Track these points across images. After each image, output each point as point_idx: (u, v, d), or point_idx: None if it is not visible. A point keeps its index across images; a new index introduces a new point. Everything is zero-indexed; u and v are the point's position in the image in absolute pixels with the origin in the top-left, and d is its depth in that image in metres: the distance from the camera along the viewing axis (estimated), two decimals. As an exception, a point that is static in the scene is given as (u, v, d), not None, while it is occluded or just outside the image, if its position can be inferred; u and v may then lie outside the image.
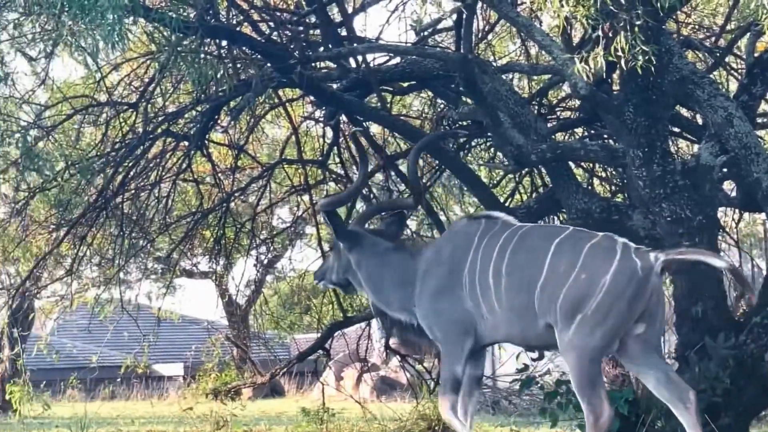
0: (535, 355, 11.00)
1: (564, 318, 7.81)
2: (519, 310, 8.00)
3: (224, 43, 10.76)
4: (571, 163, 10.82)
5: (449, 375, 8.29)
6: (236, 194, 13.64)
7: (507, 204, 12.34)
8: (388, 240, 8.75)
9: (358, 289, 8.85)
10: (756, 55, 10.15)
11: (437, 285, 8.36)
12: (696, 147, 10.95)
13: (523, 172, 12.52)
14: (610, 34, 7.95)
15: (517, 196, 13.34)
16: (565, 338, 7.81)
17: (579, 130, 12.46)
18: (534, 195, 12.64)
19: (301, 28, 11.51)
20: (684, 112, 11.67)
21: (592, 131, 11.95)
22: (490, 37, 13.00)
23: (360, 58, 11.11)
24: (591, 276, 7.77)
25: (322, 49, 11.22)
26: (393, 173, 12.88)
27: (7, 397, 18.15)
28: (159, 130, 12.12)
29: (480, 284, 8.15)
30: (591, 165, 12.51)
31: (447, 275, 8.33)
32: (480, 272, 8.16)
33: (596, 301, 7.71)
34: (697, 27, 13.12)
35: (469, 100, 10.85)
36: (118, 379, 27.42)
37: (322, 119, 12.80)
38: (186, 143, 12.28)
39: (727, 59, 12.13)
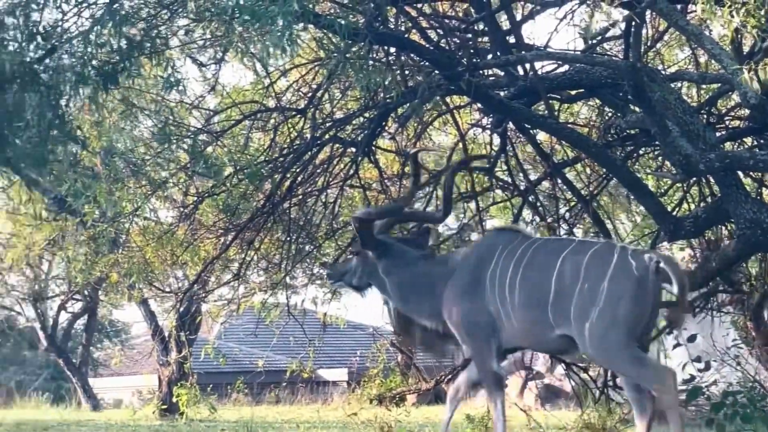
0: (702, 365, 11.25)
1: (578, 327, 8.57)
2: (533, 322, 8.80)
3: (392, 50, 11.09)
4: (740, 172, 10.84)
5: (488, 373, 9.09)
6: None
7: (674, 213, 12.39)
8: (416, 249, 9.52)
9: (381, 295, 9.61)
10: None
11: (463, 291, 9.15)
12: None
13: (691, 181, 12.55)
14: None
15: (685, 206, 13.36)
16: (587, 346, 8.59)
17: (748, 140, 12.39)
18: (702, 204, 12.64)
19: (469, 36, 11.78)
20: None
21: (762, 141, 11.86)
22: (658, 45, 13.06)
23: (528, 65, 11.33)
24: (592, 284, 8.54)
25: (490, 56, 11.46)
26: (559, 181, 13.05)
27: (174, 399, 18.88)
28: (327, 136, 12.46)
29: (498, 295, 8.94)
30: (760, 175, 12.45)
31: (471, 283, 9.11)
32: (498, 284, 8.94)
33: (599, 307, 8.47)
34: None
35: (637, 109, 10.96)
36: (284, 384, 28.10)
37: (489, 126, 13.05)
38: (353, 149, 12.62)
39: None
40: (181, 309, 16.28)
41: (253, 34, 9.64)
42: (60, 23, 10.23)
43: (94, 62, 10.02)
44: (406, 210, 10.11)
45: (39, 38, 10.15)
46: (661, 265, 8.54)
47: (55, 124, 10.25)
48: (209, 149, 12.44)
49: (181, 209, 13.19)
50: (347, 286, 9.99)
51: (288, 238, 13.20)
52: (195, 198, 12.92)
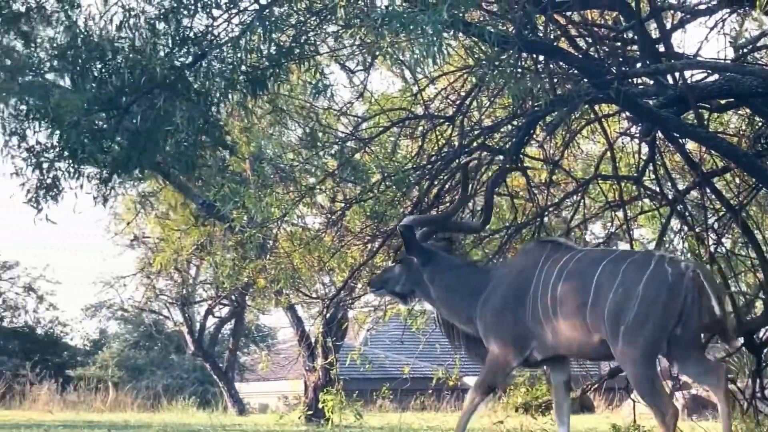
0: None
1: (612, 331, 8.94)
2: (574, 328, 9.15)
3: (541, 57, 11.19)
4: None
5: (490, 380, 9.65)
6: (550, 209, 13.93)
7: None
8: (461, 257, 10.06)
9: (426, 301, 10.12)
10: None
11: (503, 302, 9.55)
12: None
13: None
14: None
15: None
16: (616, 349, 8.94)
17: None
18: None
19: (618, 44, 11.77)
20: None
21: None
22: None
23: (677, 74, 11.28)
24: (627, 288, 8.92)
25: (639, 65, 11.44)
26: (708, 190, 12.96)
27: (320, 405, 19.14)
28: (475, 144, 12.60)
29: (541, 304, 9.28)
30: None
31: (513, 294, 9.50)
32: (542, 293, 9.30)
33: (634, 311, 8.86)
34: None
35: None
36: (429, 391, 28.26)
37: (637, 135, 13.01)
38: (501, 157, 12.73)
39: None
40: (328, 315, 16.55)
41: (402, 41, 9.83)
42: (210, 29, 10.53)
43: (243, 68, 10.26)
44: (451, 220, 10.44)
45: (189, 44, 10.48)
46: (698, 273, 8.88)
47: (205, 129, 10.55)
48: (357, 156, 12.66)
49: (329, 215, 13.42)
50: (389, 294, 10.45)
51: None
52: (342, 204, 13.14)
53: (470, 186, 10.91)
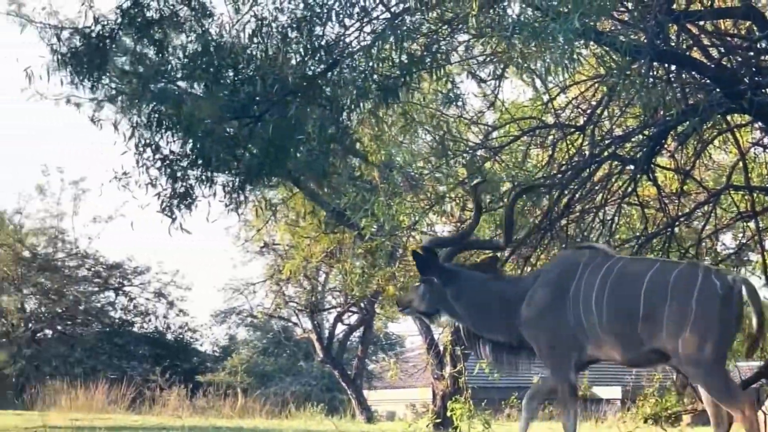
0: None
1: (673, 345, 9.25)
2: (622, 336, 9.48)
3: (673, 67, 11.22)
4: None
5: (565, 384, 9.77)
6: (681, 219, 13.92)
7: None
8: (489, 272, 10.20)
9: (451, 319, 10.30)
10: None
11: (544, 306, 9.80)
12: None
13: None
14: None
15: None
16: (683, 363, 9.29)
17: None
18: None
19: (751, 54, 11.70)
20: None
21: None
22: None
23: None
24: (680, 304, 9.20)
25: (772, 74, 11.38)
26: None
27: (448, 413, 19.27)
28: (605, 153, 12.64)
29: (584, 308, 9.55)
30: None
31: (553, 297, 9.76)
32: (584, 298, 9.55)
33: (690, 324, 9.15)
34: None
35: None
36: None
37: (770, 145, 12.94)
38: (632, 167, 12.73)
39: None
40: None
41: (533, 50, 9.91)
42: (342, 38, 10.75)
43: (375, 77, 10.43)
44: (470, 239, 10.72)
45: (321, 52, 10.71)
46: (742, 287, 9.19)
47: (336, 137, 10.77)
48: (487, 164, 12.76)
49: (458, 224, 13.53)
50: (416, 313, 10.64)
51: (564, 255, 13.34)
52: (472, 213, 13.22)
53: (482, 204, 11.06)
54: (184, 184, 10.97)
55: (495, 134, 13.25)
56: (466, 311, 10.26)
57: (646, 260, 10.86)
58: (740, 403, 9.12)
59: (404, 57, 10.39)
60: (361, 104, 10.64)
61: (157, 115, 10.68)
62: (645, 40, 10.24)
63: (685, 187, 13.61)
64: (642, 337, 9.40)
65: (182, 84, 10.86)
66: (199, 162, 10.58)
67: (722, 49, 11.68)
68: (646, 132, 12.44)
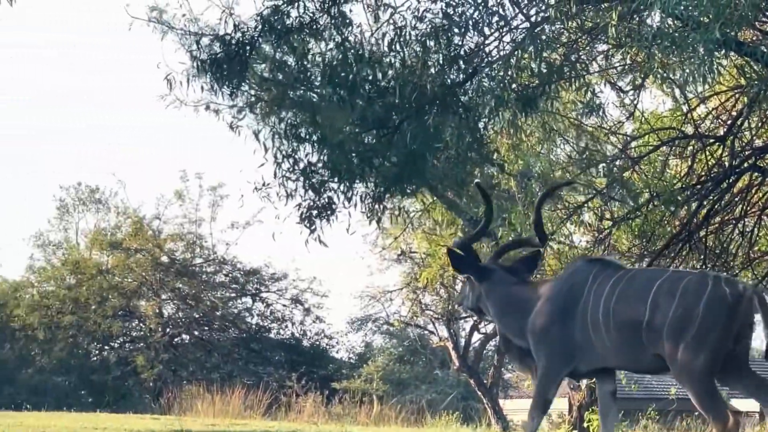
0: None
1: (671, 348, 9.48)
2: (628, 342, 9.74)
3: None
4: None
5: (542, 398, 10.11)
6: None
7: None
8: (520, 274, 10.50)
9: (488, 317, 10.66)
10: None
11: (551, 316, 10.08)
12: None
13: None
14: None
15: None
16: (676, 365, 9.53)
17: None
18: None
19: None
20: None
21: None
22: None
23: None
24: (687, 308, 9.43)
25: None
26: None
27: (585, 424, 19.35)
28: (745, 165, 12.61)
29: (591, 319, 9.80)
30: None
31: (562, 308, 10.04)
32: (592, 308, 9.82)
33: (695, 329, 9.37)
34: None
35: None
36: (696, 413, 27.89)
37: None
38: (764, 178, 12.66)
39: None
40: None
41: (672, 60, 9.97)
42: (481, 47, 10.91)
43: (513, 86, 10.57)
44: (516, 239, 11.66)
45: (460, 61, 10.88)
46: (755, 295, 9.36)
47: (473, 146, 10.93)
48: (626, 174, 12.80)
49: (596, 234, 13.58)
50: (467, 310, 11.30)
51: (703, 266, 13.33)
52: (610, 223, 13.27)
53: (493, 202, 11.23)
54: (325, 195, 11.21)
55: (634, 144, 13.29)
56: (494, 310, 10.65)
57: (659, 269, 11.26)
58: (723, 416, 9.40)
59: (543, 66, 10.51)
60: (500, 113, 10.78)
61: (295, 125, 10.92)
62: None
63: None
64: (646, 343, 9.70)
65: (320, 92, 11.07)
66: (338, 173, 10.79)
67: None
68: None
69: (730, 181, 12.69)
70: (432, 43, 10.79)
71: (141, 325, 46.60)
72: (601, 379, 10.39)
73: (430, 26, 10.78)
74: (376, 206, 11.58)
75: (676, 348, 9.58)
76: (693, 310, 9.50)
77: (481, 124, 11.01)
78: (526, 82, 10.68)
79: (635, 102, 12.61)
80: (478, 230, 10.80)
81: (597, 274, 10.13)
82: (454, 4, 10.69)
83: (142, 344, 45.66)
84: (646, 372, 10.76)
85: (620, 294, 9.90)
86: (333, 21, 11.14)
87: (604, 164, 12.47)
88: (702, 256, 13.24)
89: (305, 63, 11.15)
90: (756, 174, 12.79)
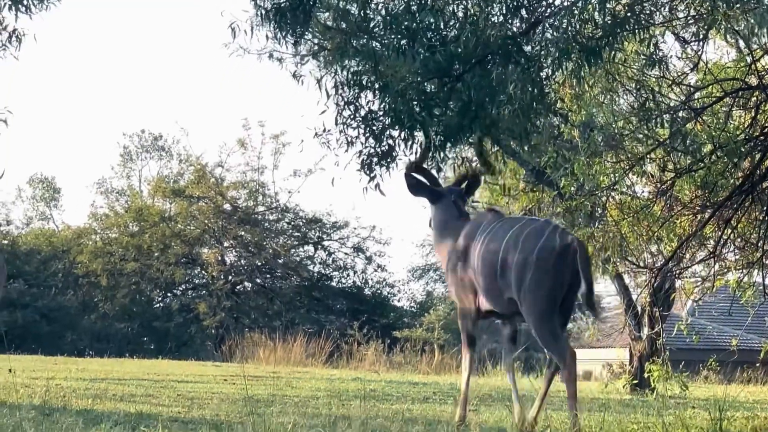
0: None
1: (516, 292, 10.88)
2: (491, 287, 11.18)
3: None
4: None
5: (463, 333, 11.66)
6: None
7: None
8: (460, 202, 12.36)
9: None
10: None
11: (456, 257, 11.59)
12: None
13: None
14: None
15: None
16: (522, 308, 10.89)
17: None
18: None
19: None
20: None
21: None
22: None
23: None
24: (525, 255, 10.88)
25: None
26: None
27: (645, 375, 19.46)
28: (810, 115, 12.61)
29: (473, 264, 11.25)
30: None
31: (463, 252, 11.51)
32: (474, 254, 11.25)
33: (531, 274, 10.76)
34: None
35: None
36: (757, 364, 27.91)
37: None
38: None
39: None
40: (655, 284, 16.79)
41: (737, 11, 10.00)
42: (545, -3, 10.97)
43: (577, 37, 10.65)
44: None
45: (523, 11, 10.97)
46: (579, 246, 10.95)
47: (537, 97, 11.03)
48: (689, 126, 12.84)
49: (658, 185, 13.63)
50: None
51: (765, 218, 13.38)
52: (672, 174, 13.33)
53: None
54: (385, 143, 11.38)
55: (697, 95, 13.29)
56: (434, 234, 12.29)
57: (520, 219, 12.18)
58: (563, 352, 10.74)
59: (608, 18, 10.57)
60: (563, 65, 10.86)
61: (357, 73, 11.06)
62: None
63: None
64: (501, 288, 11.07)
65: (383, 41, 11.03)
66: (399, 120, 10.93)
67: None
68: None
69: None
70: (496, -6, 10.86)
71: (203, 272, 47.20)
72: (502, 322, 11.84)
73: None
74: (437, 155, 11.74)
75: (519, 291, 10.91)
76: (529, 257, 10.84)
77: (543, 74, 11.08)
78: (590, 33, 10.72)
79: (699, 53, 12.62)
80: (422, 153, 11.73)
81: (486, 224, 11.51)
82: (517, -48, 10.76)
83: (204, 292, 46.31)
84: (510, 316, 11.48)
85: (486, 242, 11.29)
86: (395, -31, 11.22)
87: (667, 115, 12.50)
88: (765, 208, 13.29)
89: (368, 11, 11.20)
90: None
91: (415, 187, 12.14)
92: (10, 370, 16.79)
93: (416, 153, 11.73)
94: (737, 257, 15.24)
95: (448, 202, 12.28)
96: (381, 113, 11.09)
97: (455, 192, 12.59)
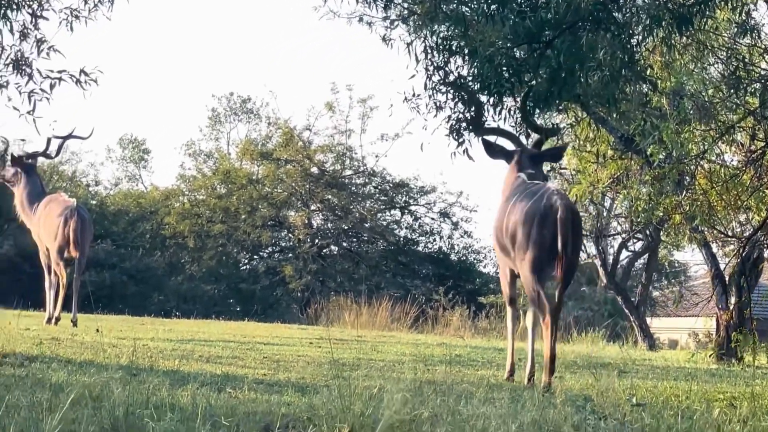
0: None
1: (512, 248, 11.64)
2: (505, 252, 11.93)
3: None
4: None
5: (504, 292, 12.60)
6: None
7: None
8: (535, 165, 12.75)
9: None
10: None
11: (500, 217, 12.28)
12: None
13: None
14: None
15: None
16: (518, 270, 11.71)
17: None
18: None
19: None
20: None
21: None
22: None
23: None
24: (517, 215, 11.54)
25: None
26: None
27: (732, 344, 19.34)
28: None
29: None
30: None
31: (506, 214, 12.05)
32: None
33: (520, 235, 11.48)
34: None
35: None
36: None
37: None
38: None
39: None
40: (743, 254, 16.71)
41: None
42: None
43: (668, 4, 10.63)
44: None
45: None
46: (560, 209, 11.15)
47: (626, 64, 11.04)
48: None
49: (748, 154, 13.57)
50: None
51: None
52: (763, 143, 13.26)
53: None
54: (474, 108, 11.46)
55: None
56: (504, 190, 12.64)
57: (532, 184, 12.27)
58: (544, 307, 11.37)
59: (700, -14, 10.52)
60: (654, 32, 10.85)
61: (446, 38, 11.12)
62: None
63: None
64: (509, 247, 11.74)
65: (472, 6, 11.16)
66: (488, 86, 10.99)
67: None
68: None
69: None
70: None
71: (290, 235, 47.50)
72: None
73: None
74: (525, 121, 11.81)
75: (513, 249, 11.63)
76: (519, 218, 11.43)
77: (633, 41, 11.08)
78: (681, 1, 10.70)
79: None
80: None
81: (517, 186, 12.07)
82: None
83: (290, 254, 46.59)
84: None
85: (512, 206, 11.76)
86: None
87: (758, 84, 12.44)
88: None
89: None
90: None
91: (491, 149, 12.39)
92: (97, 330, 17.17)
93: (505, 118, 11.84)
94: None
95: (521, 159, 12.66)
96: (470, 78, 11.17)
97: (529, 154, 12.80)
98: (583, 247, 34.10)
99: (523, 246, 11.52)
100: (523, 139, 12.76)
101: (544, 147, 13.01)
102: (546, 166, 28.69)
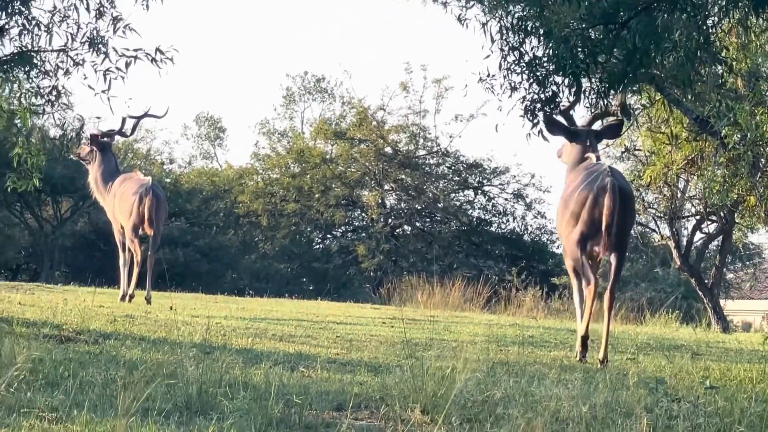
0: None
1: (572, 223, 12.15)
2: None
3: None
4: None
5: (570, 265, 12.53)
6: None
7: None
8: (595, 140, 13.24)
9: None
10: None
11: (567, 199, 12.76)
12: None
13: None
14: None
15: None
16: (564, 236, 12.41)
17: None
18: None
19: None
20: None
21: None
22: None
23: None
24: (566, 193, 12.31)
25: None
26: None
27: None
28: None
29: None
30: None
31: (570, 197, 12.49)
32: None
33: (564, 212, 12.22)
34: None
35: None
36: None
37: None
38: None
39: None
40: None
41: None
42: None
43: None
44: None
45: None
46: (610, 188, 11.71)
47: (702, 45, 10.97)
48: None
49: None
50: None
51: None
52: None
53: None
54: (549, 89, 11.46)
55: None
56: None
57: (592, 165, 12.63)
58: (591, 279, 11.90)
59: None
60: (730, 13, 10.77)
61: (522, 19, 11.12)
62: None
63: None
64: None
65: None
66: (563, 67, 10.98)
67: None
68: None
69: None
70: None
71: (363, 214, 47.68)
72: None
73: None
74: (601, 101, 11.80)
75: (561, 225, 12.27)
76: (567, 194, 12.15)
77: (709, 22, 11.01)
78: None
79: None
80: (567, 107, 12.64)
81: (592, 169, 12.13)
82: None
83: (363, 234, 46.77)
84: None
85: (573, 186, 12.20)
86: None
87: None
88: None
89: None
90: None
91: (552, 125, 12.39)
92: (171, 308, 17.39)
93: (581, 99, 11.82)
94: None
95: (582, 142, 12.93)
96: (545, 59, 11.17)
97: (589, 132, 13.04)
98: (656, 228, 33.96)
99: (571, 223, 12.17)
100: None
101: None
102: (618, 146, 28.63)
